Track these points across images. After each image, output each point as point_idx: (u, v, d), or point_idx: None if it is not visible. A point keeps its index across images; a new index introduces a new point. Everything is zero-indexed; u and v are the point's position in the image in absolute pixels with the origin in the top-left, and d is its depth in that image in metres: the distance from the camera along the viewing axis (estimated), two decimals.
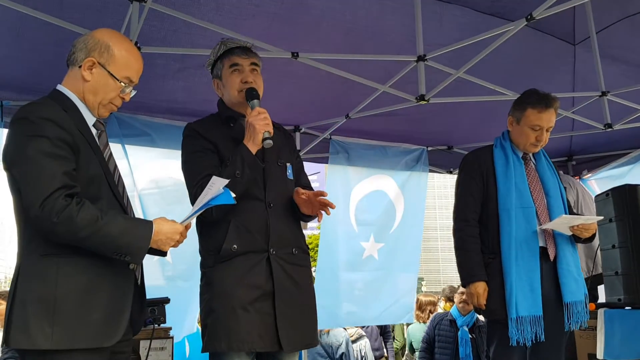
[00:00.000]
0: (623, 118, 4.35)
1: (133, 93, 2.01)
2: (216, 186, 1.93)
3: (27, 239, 1.80)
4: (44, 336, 1.68)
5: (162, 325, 3.21)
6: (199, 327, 3.75)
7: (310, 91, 4.13)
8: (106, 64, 1.90)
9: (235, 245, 2.19)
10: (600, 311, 3.31)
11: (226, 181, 1.95)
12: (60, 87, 1.93)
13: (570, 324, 2.77)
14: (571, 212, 3.02)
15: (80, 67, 1.90)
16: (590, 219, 2.88)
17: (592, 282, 3.86)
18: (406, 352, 6.71)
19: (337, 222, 4.87)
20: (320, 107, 4.38)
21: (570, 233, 2.85)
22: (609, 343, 3.19)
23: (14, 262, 1.87)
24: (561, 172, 3.85)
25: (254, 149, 2.20)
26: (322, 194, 2.25)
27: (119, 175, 1.97)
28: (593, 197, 4.71)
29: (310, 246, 2.62)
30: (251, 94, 2.30)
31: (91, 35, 1.94)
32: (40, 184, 1.71)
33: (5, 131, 1.91)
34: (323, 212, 2.27)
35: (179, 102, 4.01)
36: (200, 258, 2.33)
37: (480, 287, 2.79)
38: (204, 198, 1.93)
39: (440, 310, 6.41)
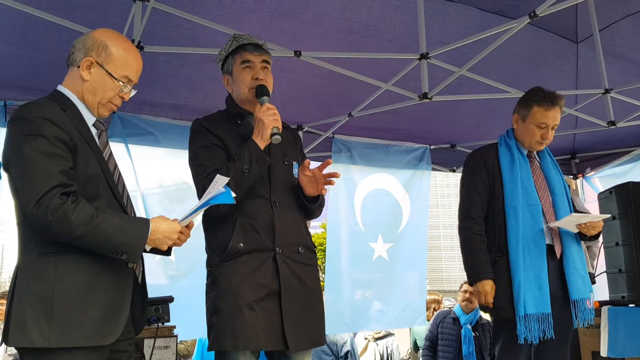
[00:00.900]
0: (626, 116, 4.33)
1: (133, 92, 2.00)
2: (219, 184, 1.93)
3: (26, 238, 1.80)
4: (41, 334, 1.68)
5: (166, 323, 3.22)
6: None
7: (313, 90, 4.13)
8: (104, 64, 1.90)
9: (241, 244, 2.19)
10: (604, 308, 3.32)
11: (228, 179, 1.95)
12: (60, 88, 1.93)
13: (578, 321, 2.77)
14: (576, 210, 3.02)
15: (79, 67, 1.90)
16: (598, 217, 2.88)
17: None
18: (410, 349, 6.71)
19: (342, 222, 4.86)
20: (323, 105, 4.37)
21: (577, 231, 2.85)
22: (612, 340, 3.19)
23: None
24: None
25: (262, 144, 2.19)
26: (327, 163, 2.28)
27: (119, 175, 1.97)
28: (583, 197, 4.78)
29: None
30: (261, 91, 2.30)
31: (89, 35, 1.95)
32: (36, 182, 1.70)
33: None
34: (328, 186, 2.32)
35: (181, 98, 4.00)
36: (205, 256, 2.33)
37: (488, 285, 2.78)
38: (206, 196, 1.93)
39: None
